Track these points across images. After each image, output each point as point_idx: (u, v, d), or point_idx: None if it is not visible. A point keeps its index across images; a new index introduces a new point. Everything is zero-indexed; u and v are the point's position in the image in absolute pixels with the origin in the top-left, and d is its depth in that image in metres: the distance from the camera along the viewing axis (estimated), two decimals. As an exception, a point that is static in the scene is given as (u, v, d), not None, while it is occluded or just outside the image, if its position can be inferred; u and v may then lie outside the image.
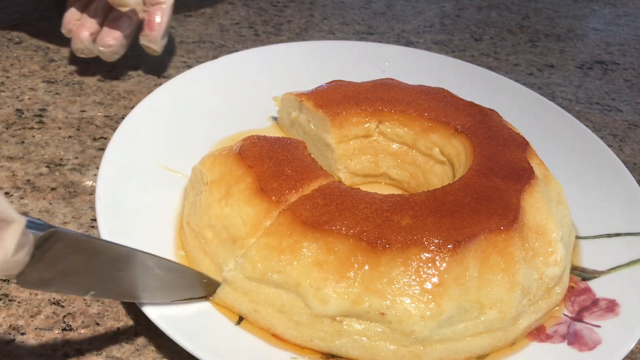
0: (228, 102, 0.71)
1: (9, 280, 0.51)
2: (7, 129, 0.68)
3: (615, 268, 0.54)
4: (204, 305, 0.48)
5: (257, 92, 0.72)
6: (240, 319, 0.47)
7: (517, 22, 1.11)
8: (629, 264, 0.54)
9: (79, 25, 0.73)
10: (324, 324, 0.45)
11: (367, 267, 0.44)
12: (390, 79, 0.67)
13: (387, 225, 0.45)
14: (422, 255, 0.44)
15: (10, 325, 0.47)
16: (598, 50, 1.04)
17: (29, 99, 0.73)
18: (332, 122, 0.60)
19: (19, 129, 0.68)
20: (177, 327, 0.43)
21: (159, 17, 0.73)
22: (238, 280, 0.47)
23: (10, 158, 0.64)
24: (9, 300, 0.49)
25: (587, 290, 0.52)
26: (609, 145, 0.69)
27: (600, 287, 0.52)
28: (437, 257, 0.44)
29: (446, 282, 0.44)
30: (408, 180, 0.63)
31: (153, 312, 0.44)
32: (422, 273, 0.44)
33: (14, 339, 0.46)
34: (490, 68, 0.91)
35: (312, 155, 0.64)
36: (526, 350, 0.47)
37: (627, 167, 0.63)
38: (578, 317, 0.50)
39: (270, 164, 0.51)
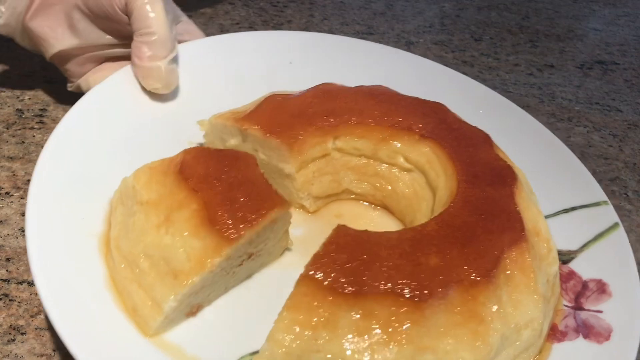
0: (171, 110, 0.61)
1: (9, 280, 0.51)
2: (7, 129, 0.68)
3: (586, 245, 0.54)
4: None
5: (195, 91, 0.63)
6: None
7: (517, 22, 1.11)
8: (595, 239, 0.54)
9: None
10: None
11: (411, 325, 0.40)
12: (326, 83, 0.61)
13: (418, 271, 0.42)
14: (461, 297, 0.42)
15: (10, 325, 0.47)
16: (598, 50, 1.04)
17: (29, 99, 0.73)
18: (291, 150, 0.53)
19: (19, 129, 0.68)
20: None
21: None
22: None
23: (11, 158, 0.64)
24: (9, 300, 0.49)
25: (572, 273, 0.53)
26: (609, 145, 0.69)
27: (581, 268, 0.53)
28: (475, 293, 0.42)
29: (487, 317, 0.42)
30: (373, 192, 0.59)
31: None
32: (466, 315, 0.41)
33: (14, 339, 0.46)
34: (490, 68, 0.91)
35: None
36: (552, 356, 0.46)
37: (627, 167, 0.64)
38: (578, 305, 0.50)
39: (219, 187, 0.45)
